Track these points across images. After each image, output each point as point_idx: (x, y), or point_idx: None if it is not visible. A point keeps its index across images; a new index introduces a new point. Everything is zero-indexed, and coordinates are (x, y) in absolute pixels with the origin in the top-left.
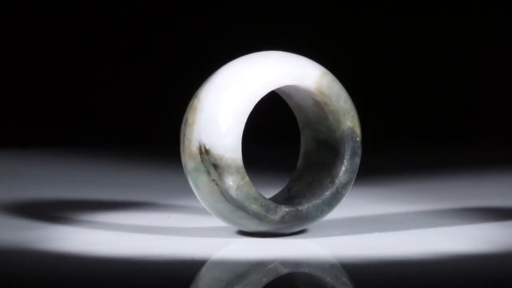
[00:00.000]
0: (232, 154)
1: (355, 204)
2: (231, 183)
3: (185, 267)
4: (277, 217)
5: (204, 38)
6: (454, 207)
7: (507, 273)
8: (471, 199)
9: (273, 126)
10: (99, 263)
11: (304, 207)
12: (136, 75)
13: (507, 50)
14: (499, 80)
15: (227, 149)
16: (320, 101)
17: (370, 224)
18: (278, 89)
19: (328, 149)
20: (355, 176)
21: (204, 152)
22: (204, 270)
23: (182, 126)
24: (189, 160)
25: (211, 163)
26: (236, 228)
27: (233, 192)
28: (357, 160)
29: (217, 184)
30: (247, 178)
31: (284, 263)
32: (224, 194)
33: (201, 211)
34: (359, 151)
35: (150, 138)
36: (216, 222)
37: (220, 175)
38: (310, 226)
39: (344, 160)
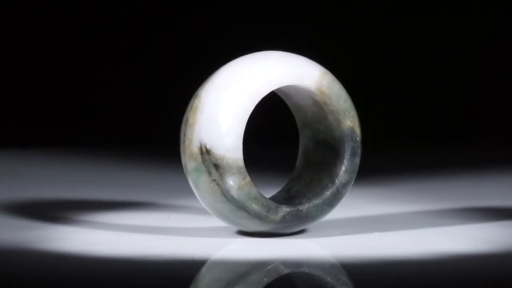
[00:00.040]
0: (233, 154)
1: (355, 204)
2: (232, 183)
3: (185, 267)
4: (278, 217)
5: (204, 38)
6: (454, 207)
7: (507, 273)
8: (471, 199)
9: (273, 126)
10: (99, 263)
11: (305, 207)
12: (136, 75)
13: (507, 50)
14: (499, 80)
15: (228, 149)
16: (320, 101)
17: (370, 224)
18: (277, 89)
19: (328, 149)
20: (355, 176)
21: (205, 152)
22: (204, 270)
23: (183, 126)
24: (190, 160)
25: (212, 163)
26: (236, 228)
27: (234, 192)
28: (357, 160)
29: (218, 184)
30: (248, 178)
31: (284, 263)
32: (225, 194)
33: (201, 211)
34: (359, 151)
35: (150, 138)
36: (216, 222)
37: (221, 175)
38: (310, 226)
39: (344, 160)
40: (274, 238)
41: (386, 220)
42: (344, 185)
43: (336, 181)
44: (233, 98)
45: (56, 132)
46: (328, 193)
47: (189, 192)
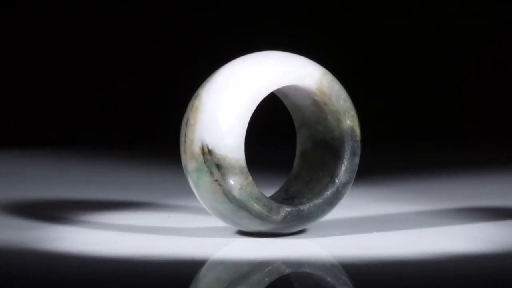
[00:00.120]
0: (235, 154)
1: (355, 204)
2: (234, 183)
3: (185, 267)
4: (279, 217)
5: (204, 38)
6: (454, 207)
7: (507, 273)
8: (471, 199)
9: (274, 126)
10: (99, 263)
11: (306, 206)
12: (136, 75)
13: (507, 50)
14: (499, 80)
15: (230, 149)
16: (320, 101)
17: (370, 224)
18: (276, 89)
19: (327, 149)
20: (355, 175)
21: (207, 153)
22: (204, 270)
23: (183, 126)
24: (191, 161)
25: (214, 164)
26: (236, 228)
27: (236, 193)
28: (357, 160)
29: (219, 185)
30: (250, 178)
31: (284, 263)
32: (227, 194)
33: (201, 211)
34: (359, 151)
35: (150, 138)
36: (216, 222)
37: (223, 175)
38: (310, 226)
39: (344, 160)
40: (274, 238)
41: (386, 220)
42: (344, 185)
43: (336, 181)
44: (235, 98)
45: (56, 132)
46: (328, 192)
47: (189, 192)
